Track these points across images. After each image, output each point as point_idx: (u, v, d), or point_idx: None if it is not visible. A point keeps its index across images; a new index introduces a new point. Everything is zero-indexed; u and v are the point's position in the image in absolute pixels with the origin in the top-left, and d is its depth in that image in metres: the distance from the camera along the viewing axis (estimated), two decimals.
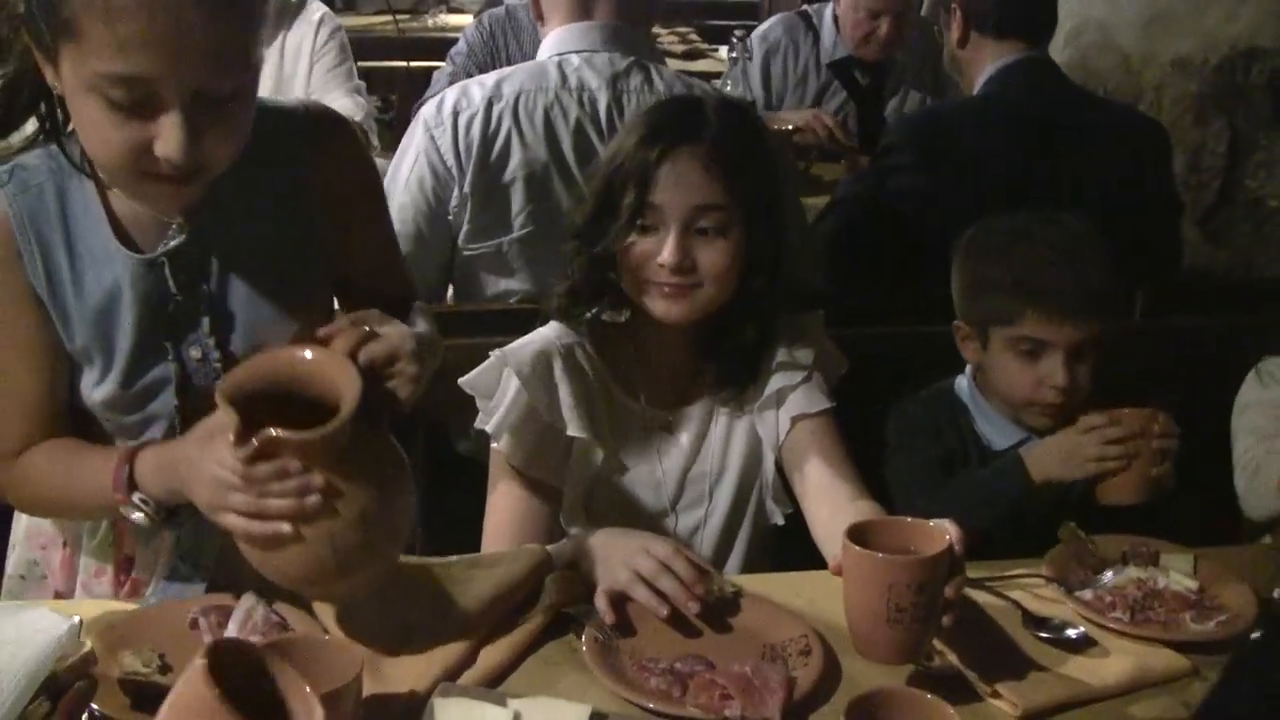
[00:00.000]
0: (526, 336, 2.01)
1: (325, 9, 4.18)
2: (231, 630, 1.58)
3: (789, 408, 2.03)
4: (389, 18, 5.23)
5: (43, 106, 1.59)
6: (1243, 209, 3.57)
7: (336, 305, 1.85)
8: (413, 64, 4.67)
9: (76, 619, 1.52)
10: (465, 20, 5.88)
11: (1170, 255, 3.06)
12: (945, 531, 1.58)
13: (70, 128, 1.57)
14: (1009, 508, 2.05)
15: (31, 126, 1.62)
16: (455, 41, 4.19)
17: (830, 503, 1.95)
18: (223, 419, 1.43)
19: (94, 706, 1.45)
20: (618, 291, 1.98)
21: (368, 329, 1.52)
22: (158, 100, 1.43)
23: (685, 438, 2.05)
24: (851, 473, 1.99)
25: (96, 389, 1.68)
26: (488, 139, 2.51)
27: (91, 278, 1.64)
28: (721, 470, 2.06)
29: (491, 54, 3.92)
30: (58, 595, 1.82)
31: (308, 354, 1.48)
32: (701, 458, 2.05)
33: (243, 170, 1.59)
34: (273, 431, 1.41)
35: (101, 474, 1.61)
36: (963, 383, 2.27)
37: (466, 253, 2.56)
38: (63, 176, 1.63)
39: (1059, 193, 2.80)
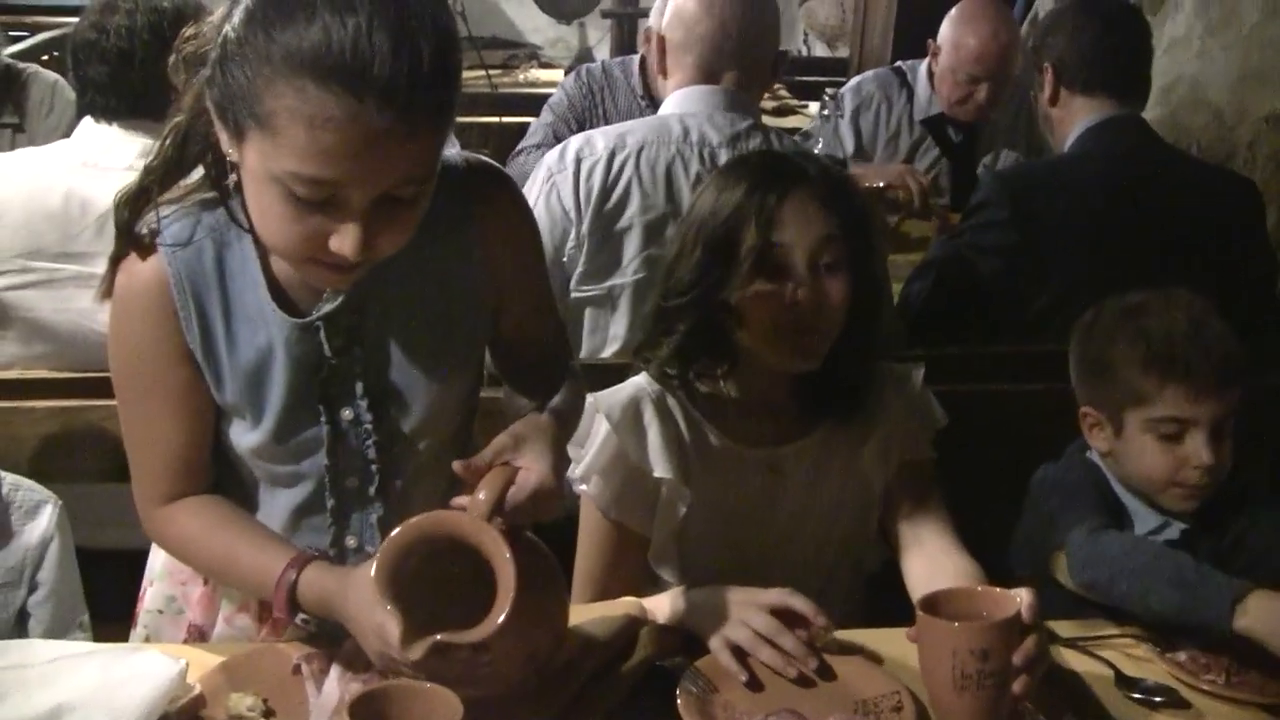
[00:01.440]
0: (619, 385, 2.03)
1: None
2: (332, 677, 1.61)
3: (894, 453, 2.04)
4: (482, 73, 5.30)
5: (209, 156, 1.58)
6: None
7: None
8: (504, 119, 4.73)
9: (184, 662, 1.57)
10: (556, 75, 5.96)
11: (1268, 314, 3.02)
12: (1017, 598, 1.58)
13: (233, 178, 1.56)
14: (1186, 625, 1.83)
15: (195, 175, 1.63)
16: (546, 96, 4.25)
17: (928, 554, 1.96)
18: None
19: None
20: (726, 344, 1.98)
21: (509, 464, 1.50)
22: (342, 200, 1.42)
23: (787, 480, 2.04)
24: (949, 525, 2.00)
25: (246, 437, 1.70)
26: (608, 184, 2.62)
27: (246, 337, 1.65)
28: (822, 514, 2.06)
29: (589, 108, 3.97)
30: (193, 628, 1.85)
31: (458, 526, 1.46)
32: (804, 501, 2.05)
33: None
34: (438, 635, 1.41)
35: (262, 575, 1.62)
36: (1093, 455, 2.18)
37: (576, 294, 2.66)
38: (222, 232, 1.64)
39: (1150, 252, 2.77)
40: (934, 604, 1.59)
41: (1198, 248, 2.83)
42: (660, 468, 1.95)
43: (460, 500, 1.48)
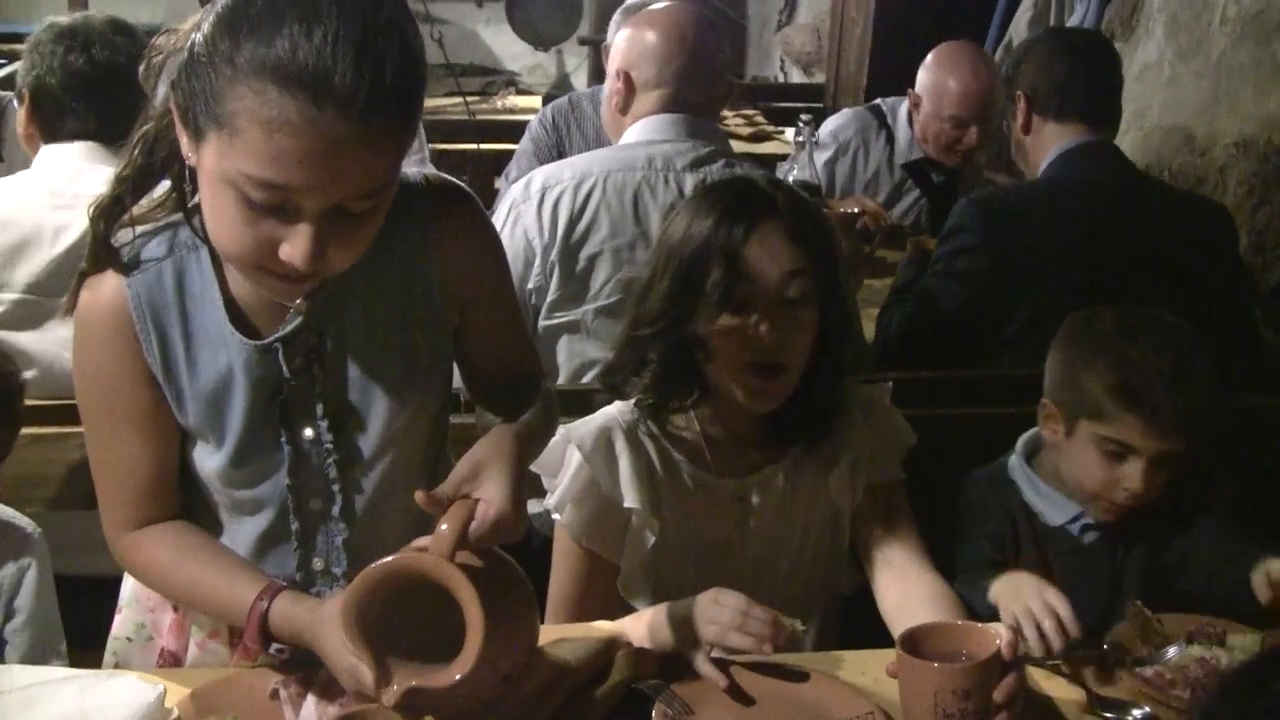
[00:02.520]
0: (591, 415, 2.05)
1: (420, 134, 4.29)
2: (310, 702, 1.61)
3: (861, 476, 2.05)
4: (459, 100, 5.31)
5: (177, 166, 1.58)
6: None
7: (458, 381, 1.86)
8: (482, 146, 4.74)
9: (161, 687, 1.57)
10: (534, 102, 5.98)
11: (1244, 339, 3.05)
12: (996, 636, 1.60)
13: (196, 199, 1.55)
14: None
15: (160, 189, 1.63)
16: (524, 124, 4.30)
17: (899, 576, 1.98)
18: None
19: None
20: (696, 374, 1.99)
21: (469, 496, 1.51)
22: (294, 207, 1.43)
23: (757, 507, 2.05)
24: (920, 545, 2.02)
25: (209, 461, 1.71)
26: (575, 213, 2.64)
27: (206, 360, 1.66)
28: (792, 541, 2.08)
29: (556, 143, 4.02)
30: (167, 654, 1.85)
31: (421, 567, 1.45)
32: (774, 529, 2.06)
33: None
34: (409, 681, 1.44)
35: (233, 605, 1.64)
36: (1013, 459, 2.25)
37: (547, 323, 2.67)
38: (182, 256, 1.65)
39: (1123, 277, 2.80)
40: (914, 641, 1.60)
41: (1171, 272, 2.86)
42: (630, 498, 1.97)
43: (421, 541, 1.48)
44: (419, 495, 1.49)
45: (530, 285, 2.66)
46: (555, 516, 2.02)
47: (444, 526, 1.46)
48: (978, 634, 1.62)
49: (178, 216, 1.63)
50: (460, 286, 1.73)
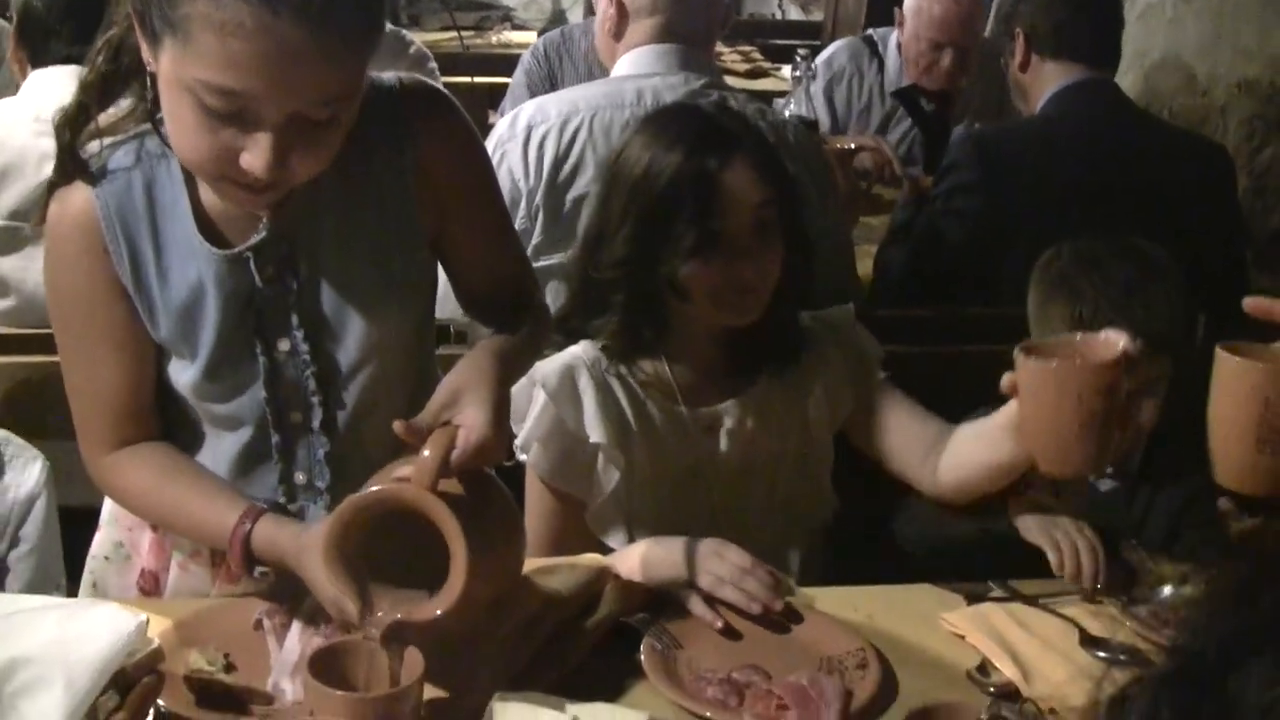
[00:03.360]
0: (556, 354, 2.01)
1: (421, 45, 4.24)
2: (294, 632, 1.60)
3: (842, 401, 2.05)
4: (454, 34, 5.26)
5: (142, 74, 1.54)
6: None
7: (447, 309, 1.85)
8: (476, 79, 4.70)
9: (144, 616, 1.55)
10: (529, 37, 5.92)
11: (1235, 280, 3.03)
12: (1112, 340, 1.58)
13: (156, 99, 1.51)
14: None
15: (126, 102, 1.60)
16: (518, 57, 4.26)
17: (922, 436, 1.99)
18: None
19: (160, 703, 1.48)
20: (662, 311, 1.97)
21: (449, 423, 1.49)
22: (252, 115, 1.40)
23: (726, 437, 2.03)
24: (932, 414, 2.01)
25: (184, 375, 1.68)
26: (560, 153, 2.56)
27: (177, 271, 1.63)
28: (764, 470, 2.06)
29: (548, 75, 3.99)
30: (147, 574, 1.83)
31: (403, 498, 1.43)
32: (744, 457, 2.04)
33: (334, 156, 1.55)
34: (393, 614, 1.43)
35: (215, 529, 1.62)
36: None
37: (536, 265, 2.59)
38: (151, 166, 1.61)
39: (1120, 215, 2.78)
40: (1033, 352, 1.58)
41: (1168, 212, 2.84)
42: (596, 433, 1.95)
43: (403, 471, 1.45)
44: (397, 425, 1.47)
45: (516, 228, 2.59)
46: (522, 457, 1.99)
47: (425, 454, 1.43)
48: (1090, 342, 1.59)
49: (146, 126, 1.60)
50: (441, 194, 1.69)
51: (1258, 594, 0.83)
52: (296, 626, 1.60)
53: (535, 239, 2.58)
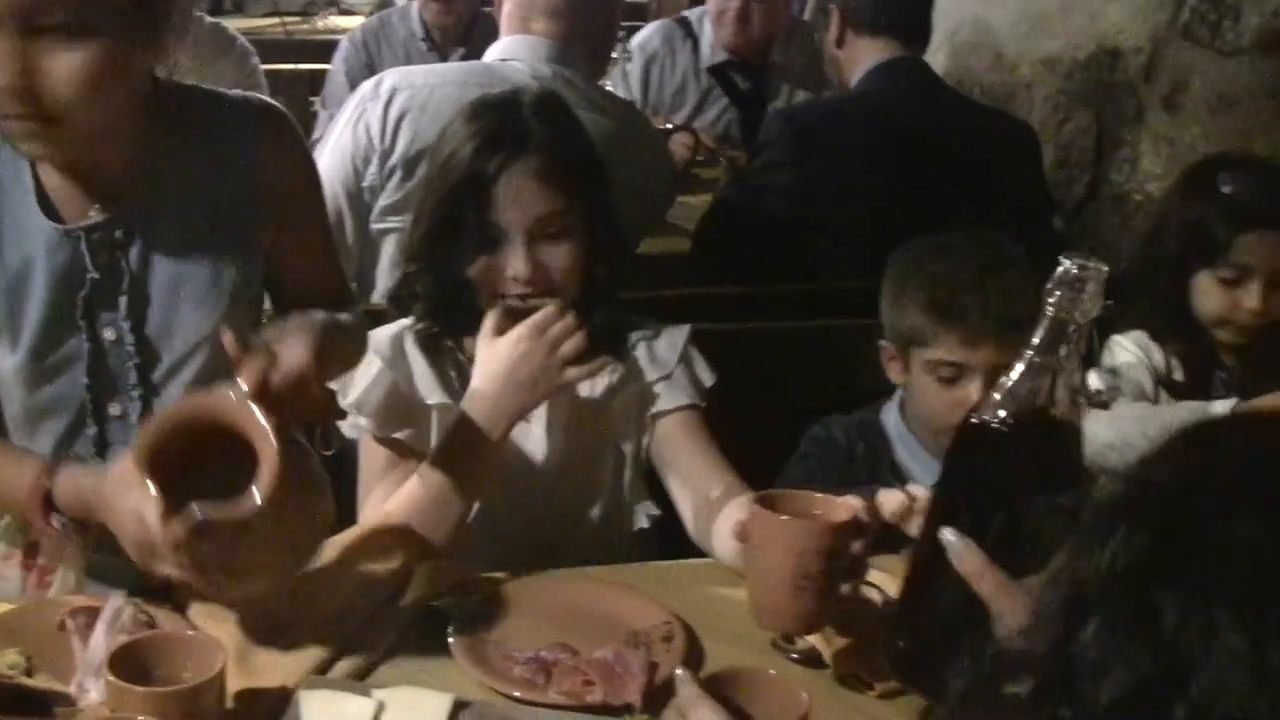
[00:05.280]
0: (389, 324, 2.04)
1: (244, 42, 4.17)
2: (99, 631, 1.58)
3: (650, 406, 2.03)
4: (277, 20, 5.20)
5: None
6: (1109, 203, 3.67)
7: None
8: (298, 66, 4.66)
9: None
10: (356, 22, 5.86)
11: (1044, 251, 3.11)
12: (850, 504, 1.59)
13: None
14: None
15: None
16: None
17: (704, 496, 1.93)
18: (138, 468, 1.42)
19: None
20: (469, 308, 1.97)
21: (271, 351, 1.49)
22: None
23: (538, 428, 2.04)
24: (725, 466, 1.96)
25: (7, 359, 1.68)
26: (415, 121, 2.62)
27: (12, 247, 1.64)
28: (580, 467, 2.06)
29: (367, 63, 4.03)
30: None
31: (220, 408, 1.43)
32: (562, 449, 2.05)
33: (178, 155, 1.61)
34: (197, 513, 1.41)
35: (15, 486, 1.61)
36: (889, 414, 2.23)
37: (379, 225, 2.67)
38: None
39: (930, 191, 2.85)
40: (769, 504, 1.59)
41: (976, 187, 2.91)
42: (432, 395, 1.97)
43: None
44: (224, 336, 1.48)
45: (366, 183, 2.66)
46: (361, 422, 1.97)
47: (243, 372, 1.44)
48: (829, 501, 1.60)
49: None
50: (275, 207, 1.75)
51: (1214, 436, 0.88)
52: (101, 626, 1.59)
53: (382, 200, 2.66)
